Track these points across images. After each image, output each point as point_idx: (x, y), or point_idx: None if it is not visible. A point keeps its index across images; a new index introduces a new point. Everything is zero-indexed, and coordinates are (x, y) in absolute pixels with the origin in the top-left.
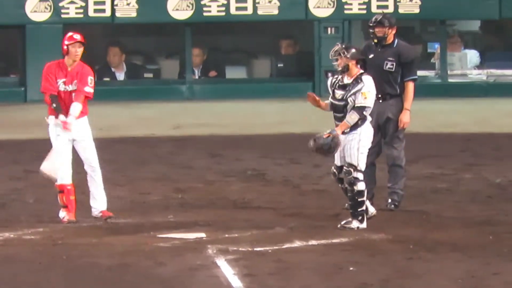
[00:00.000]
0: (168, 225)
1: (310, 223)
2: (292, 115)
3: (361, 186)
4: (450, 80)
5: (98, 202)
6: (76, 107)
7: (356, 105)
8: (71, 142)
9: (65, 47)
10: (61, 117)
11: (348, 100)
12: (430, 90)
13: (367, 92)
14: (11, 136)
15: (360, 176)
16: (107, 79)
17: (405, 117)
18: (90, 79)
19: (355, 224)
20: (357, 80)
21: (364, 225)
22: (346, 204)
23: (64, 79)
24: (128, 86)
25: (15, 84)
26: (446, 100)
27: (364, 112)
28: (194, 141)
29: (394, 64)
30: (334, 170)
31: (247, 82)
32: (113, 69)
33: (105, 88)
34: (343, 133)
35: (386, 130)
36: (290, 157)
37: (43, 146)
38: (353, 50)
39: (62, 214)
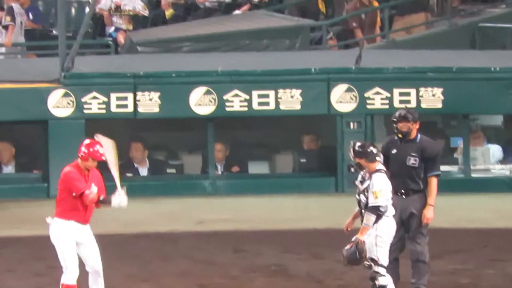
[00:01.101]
0: None
1: None
2: (314, 210)
3: (383, 281)
4: (473, 175)
5: None
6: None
7: (369, 205)
8: (75, 244)
9: (82, 154)
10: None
11: (360, 196)
12: (453, 185)
13: (378, 191)
14: (34, 232)
15: (382, 270)
16: (130, 174)
17: (428, 213)
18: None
19: None
20: (370, 177)
21: None
22: None
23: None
24: (151, 182)
25: (38, 180)
26: (469, 195)
27: (379, 211)
28: (217, 236)
29: (417, 159)
30: None
31: (270, 177)
32: (136, 165)
33: (128, 183)
34: None
35: (409, 225)
36: (313, 252)
37: None
38: (362, 149)
39: None
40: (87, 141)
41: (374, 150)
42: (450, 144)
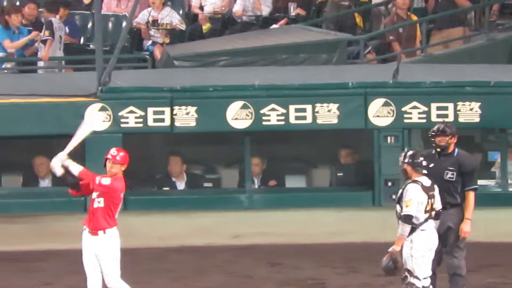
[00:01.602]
0: None
1: None
2: (351, 224)
3: None
4: (510, 189)
5: None
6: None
7: (401, 214)
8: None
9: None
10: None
11: (397, 206)
12: (490, 199)
13: (409, 200)
14: (71, 246)
15: (417, 282)
16: (167, 188)
17: (466, 227)
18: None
19: None
20: (405, 186)
21: None
22: None
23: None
24: (188, 196)
25: None
26: (507, 209)
27: (411, 221)
28: (253, 250)
29: (455, 173)
30: None
31: (307, 191)
32: (173, 179)
33: (165, 197)
34: None
35: (447, 239)
36: (350, 266)
37: None
38: (412, 159)
39: None
40: None
41: (424, 163)
42: (488, 158)
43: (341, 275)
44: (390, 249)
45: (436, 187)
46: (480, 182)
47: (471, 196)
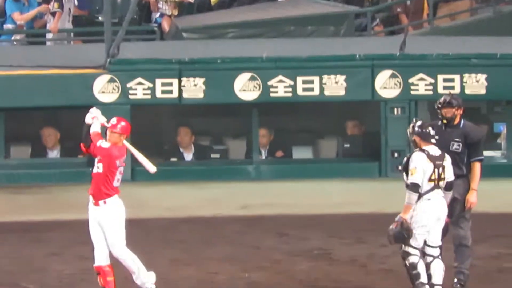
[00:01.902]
0: None
1: None
2: (358, 195)
3: (413, 259)
4: None
5: (143, 278)
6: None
7: (408, 183)
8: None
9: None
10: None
11: (403, 175)
12: (496, 170)
13: (414, 168)
14: (79, 216)
15: (412, 250)
16: (175, 159)
17: (472, 197)
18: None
19: None
20: (411, 155)
21: None
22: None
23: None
24: (196, 167)
25: (83, 165)
26: None
27: (418, 189)
28: (261, 221)
29: (461, 145)
30: None
31: (314, 163)
32: (181, 150)
33: (172, 168)
34: None
35: (452, 210)
36: (357, 237)
37: None
38: (421, 129)
39: None
40: None
41: (432, 132)
42: (494, 130)
43: (347, 245)
44: (397, 218)
45: (448, 157)
46: (486, 153)
47: (477, 167)
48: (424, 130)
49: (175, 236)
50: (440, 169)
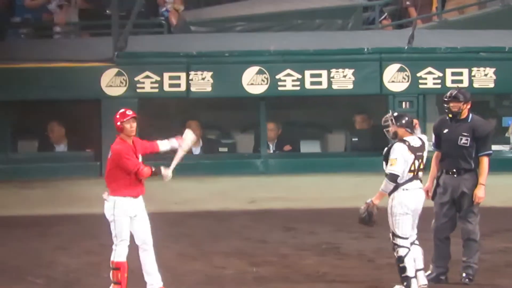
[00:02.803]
0: None
1: None
2: (366, 189)
3: (401, 251)
4: None
5: (154, 278)
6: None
7: (387, 172)
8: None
9: (118, 123)
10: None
11: (383, 163)
12: (504, 164)
13: (394, 159)
14: (87, 210)
15: (400, 242)
16: None
17: (480, 192)
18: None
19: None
20: (392, 145)
21: None
22: None
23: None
24: (204, 161)
25: (90, 159)
26: None
27: (396, 180)
28: (268, 215)
29: (469, 139)
30: None
31: (322, 157)
32: None
33: (180, 162)
34: None
35: (461, 204)
36: (365, 231)
37: None
38: (403, 120)
39: None
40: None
41: (411, 121)
42: (502, 124)
43: (355, 239)
44: (368, 200)
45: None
46: (494, 147)
47: (485, 161)
48: (404, 121)
49: (182, 230)
50: (420, 160)
